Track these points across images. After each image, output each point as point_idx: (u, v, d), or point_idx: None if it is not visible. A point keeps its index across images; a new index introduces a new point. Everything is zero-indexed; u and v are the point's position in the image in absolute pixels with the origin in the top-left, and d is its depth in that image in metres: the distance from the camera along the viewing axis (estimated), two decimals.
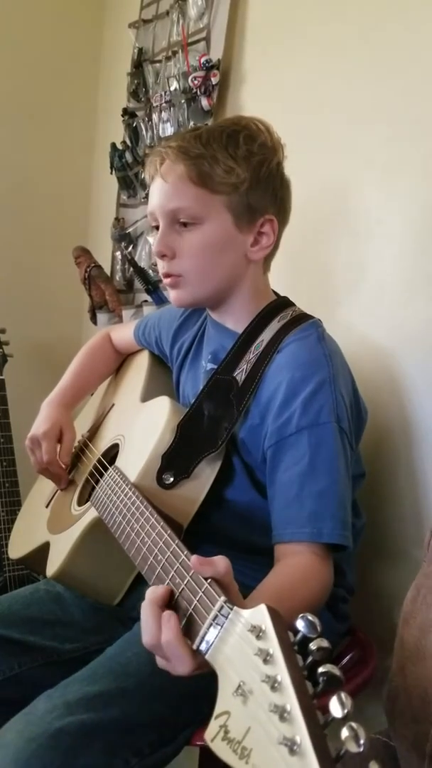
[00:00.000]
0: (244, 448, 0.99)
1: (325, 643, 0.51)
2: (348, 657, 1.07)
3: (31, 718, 0.80)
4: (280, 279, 1.12)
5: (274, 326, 1.01)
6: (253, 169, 0.97)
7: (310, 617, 0.54)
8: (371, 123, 1.28)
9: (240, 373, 0.99)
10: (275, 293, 1.09)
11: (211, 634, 0.60)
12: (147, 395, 1.18)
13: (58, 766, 0.75)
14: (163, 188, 0.98)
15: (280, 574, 0.85)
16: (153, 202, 1.01)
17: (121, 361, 1.40)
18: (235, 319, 1.05)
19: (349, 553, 0.95)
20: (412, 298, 1.20)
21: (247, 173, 0.96)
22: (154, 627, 0.66)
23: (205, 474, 0.95)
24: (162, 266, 1.02)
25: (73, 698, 0.82)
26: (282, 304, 1.06)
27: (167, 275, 1.01)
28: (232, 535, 0.99)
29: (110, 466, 1.03)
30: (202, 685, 0.65)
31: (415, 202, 1.20)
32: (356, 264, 1.31)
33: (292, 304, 1.07)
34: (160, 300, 1.73)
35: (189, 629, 0.64)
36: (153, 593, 0.69)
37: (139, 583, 1.01)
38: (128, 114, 1.92)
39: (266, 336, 1.00)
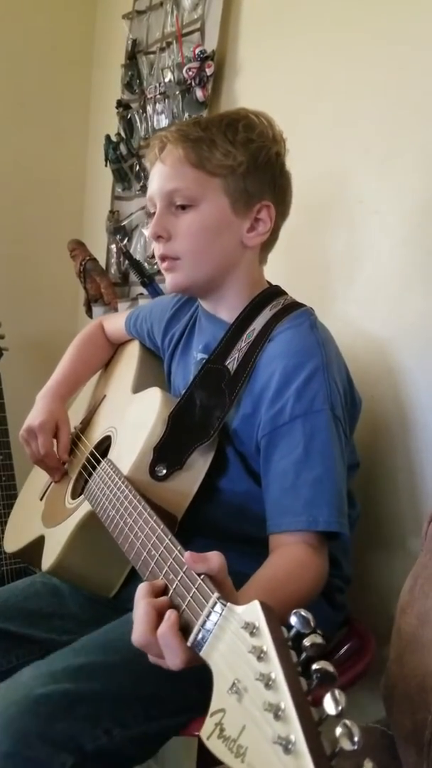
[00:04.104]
0: (237, 438, 0.98)
1: (318, 639, 0.51)
2: (346, 647, 1.07)
3: (15, 684, 0.82)
4: (277, 271, 1.12)
5: (265, 315, 1.01)
6: (251, 155, 0.97)
7: (303, 613, 0.53)
8: (368, 113, 1.27)
9: (232, 362, 0.99)
10: (269, 283, 1.09)
11: (205, 631, 0.59)
12: (138, 386, 1.17)
13: (37, 730, 0.76)
14: (162, 171, 0.99)
15: (275, 565, 0.85)
16: (152, 186, 1.01)
17: (113, 351, 1.39)
18: (228, 309, 1.05)
19: (344, 542, 0.95)
20: (408, 290, 1.19)
21: (244, 157, 0.97)
22: (145, 625, 0.65)
23: (198, 464, 0.94)
24: (158, 249, 1.01)
25: (58, 668, 0.83)
26: (274, 292, 1.05)
27: (163, 257, 1.01)
28: (226, 526, 0.99)
29: (103, 458, 1.02)
30: (189, 670, 0.66)
31: (412, 192, 1.19)
32: (352, 256, 1.30)
33: (284, 292, 1.07)
34: (155, 293, 1.73)
35: (183, 625, 0.64)
36: (145, 590, 0.69)
37: (135, 575, 1.00)
38: (122, 106, 1.92)
39: (258, 324, 1.00)
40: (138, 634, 0.66)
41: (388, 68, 1.24)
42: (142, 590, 0.69)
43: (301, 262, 1.40)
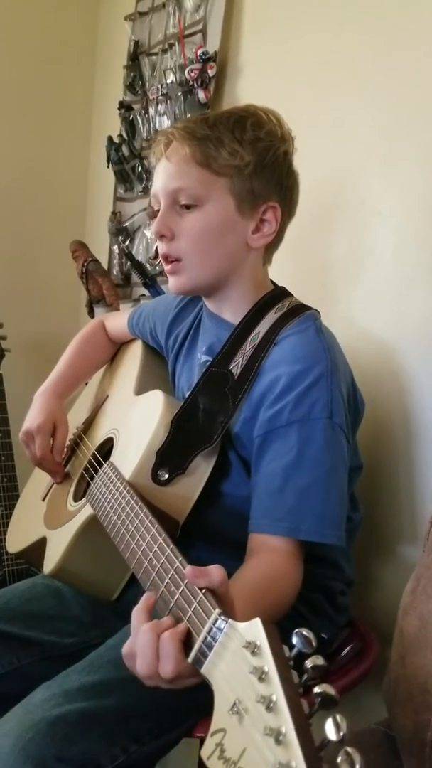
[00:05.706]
0: (239, 443, 0.97)
1: (320, 661, 0.50)
2: (348, 648, 1.07)
3: (29, 707, 0.81)
4: (279, 272, 1.11)
5: (270, 318, 1.00)
6: (259, 154, 0.96)
7: (305, 633, 0.53)
8: (370, 114, 1.27)
9: (236, 366, 0.98)
10: (273, 283, 1.08)
11: (206, 648, 0.58)
12: (141, 387, 1.16)
13: (55, 753, 0.76)
14: (167, 169, 0.98)
15: (255, 571, 0.85)
16: (156, 183, 1.00)
17: (115, 350, 1.39)
18: (232, 310, 1.03)
19: (342, 546, 0.94)
20: (411, 291, 1.19)
21: (251, 157, 0.95)
22: (150, 656, 0.64)
23: (201, 469, 0.94)
24: (161, 247, 1.00)
25: (71, 687, 0.82)
26: (279, 294, 1.04)
27: (166, 258, 1.00)
28: (228, 532, 0.97)
29: (105, 461, 1.02)
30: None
31: (413, 193, 1.19)
32: (355, 257, 1.30)
33: (289, 294, 1.05)
34: (157, 294, 1.72)
35: (185, 641, 0.63)
36: (143, 612, 0.68)
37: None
38: (125, 107, 1.92)
39: (263, 328, 0.99)
40: (143, 665, 0.65)
41: (389, 69, 1.23)
42: (138, 616, 0.68)
43: (304, 263, 1.39)
